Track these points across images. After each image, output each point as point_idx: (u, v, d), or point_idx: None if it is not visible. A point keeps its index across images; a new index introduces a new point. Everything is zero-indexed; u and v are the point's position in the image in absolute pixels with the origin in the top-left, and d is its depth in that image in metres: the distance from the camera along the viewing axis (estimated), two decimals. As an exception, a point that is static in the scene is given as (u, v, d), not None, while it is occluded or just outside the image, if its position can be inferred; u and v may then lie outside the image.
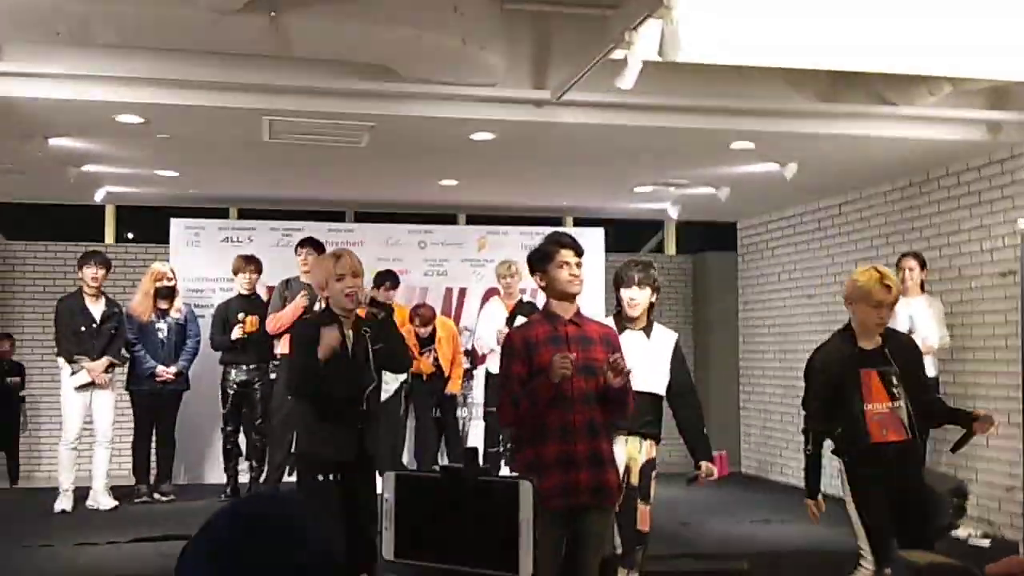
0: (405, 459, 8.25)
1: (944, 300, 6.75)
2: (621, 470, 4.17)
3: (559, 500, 3.53)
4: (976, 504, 6.39)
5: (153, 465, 7.66)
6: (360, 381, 4.16)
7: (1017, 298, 5.88)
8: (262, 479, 7.52)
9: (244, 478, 7.63)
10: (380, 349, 4.19)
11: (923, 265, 6.66)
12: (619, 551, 4.51)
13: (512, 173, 7.54)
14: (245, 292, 7.56)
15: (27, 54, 4.97)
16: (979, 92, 5.84)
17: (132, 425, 7.59)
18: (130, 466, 7.61)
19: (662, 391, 4.54)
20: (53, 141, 6.24)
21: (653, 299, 4.48)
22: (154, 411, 7.57)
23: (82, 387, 7.04)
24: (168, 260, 8.29)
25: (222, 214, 9.43)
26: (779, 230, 9.24)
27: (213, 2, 4.24)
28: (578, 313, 3.78)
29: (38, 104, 5.37)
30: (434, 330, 7.85)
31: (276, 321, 7.14)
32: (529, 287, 7.15)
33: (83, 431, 7.16)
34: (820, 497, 4.19)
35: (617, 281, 4.48)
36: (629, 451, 4.35)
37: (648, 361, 4.33)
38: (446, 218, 9.70)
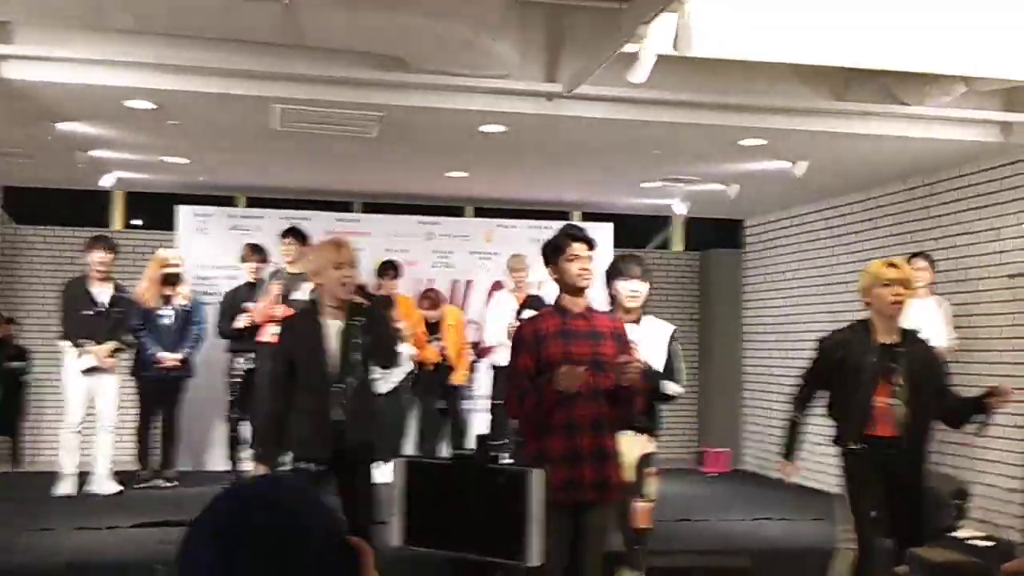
0: (409, 450, 8.25)
1: (952, 301, 6.73)
2: None
3: (563, 495, 3.52)
4: (978, 506, 6.38)
5: (156, 451, 7.67)
6: (337, 376, 4.09)
7: (1026, 300, 5.86)
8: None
9: (248, 465, 7.63)
10: (365, 341, 4.13)
11: (932, 266, 6.64)
12: (620, 549, 4.51)
13: (521, 166, 7.53)
14: (252, 280, 7.56)
15: (38, 38, 4.96)
16: (993, 93, 5.81)
17: (136, 411, 7.60)
18: (133, 452, 7.62)
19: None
20: (62, 126, 6.24)
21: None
22: (158, 397, 7.58)
23: (87, 371, 7.05)
24: (175, 247, 8.29)
25: (230, 202, 9.43)
26: (787, 228, 9.22)
27: (226, -12, 4.22)
28: (589, 307, 3.77)
29: (48, 88, 5.36)
30: (442, 318, 7.86)
31: (255, 314, 7.16)
32: (537, 281, 7.15)
33: (86, 416, 7.16)
34: (796, 463, 4.32)
35: (614, 274, 4.48)
36: (621, 446, 4.34)
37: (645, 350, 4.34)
38: (453, 210, 9.69)
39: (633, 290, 4.41)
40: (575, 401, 3.60)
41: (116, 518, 6.19)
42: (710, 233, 10.79)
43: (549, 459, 3.57)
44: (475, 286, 8.90)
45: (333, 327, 4.11)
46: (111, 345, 7.10)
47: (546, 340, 3.65)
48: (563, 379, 3.48)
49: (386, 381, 7.11)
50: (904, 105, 5.70)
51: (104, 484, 7.13)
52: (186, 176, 8.21)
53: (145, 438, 7.61)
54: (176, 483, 7.56)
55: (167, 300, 7.55)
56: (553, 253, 3.76)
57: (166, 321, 7.55)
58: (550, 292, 4.26)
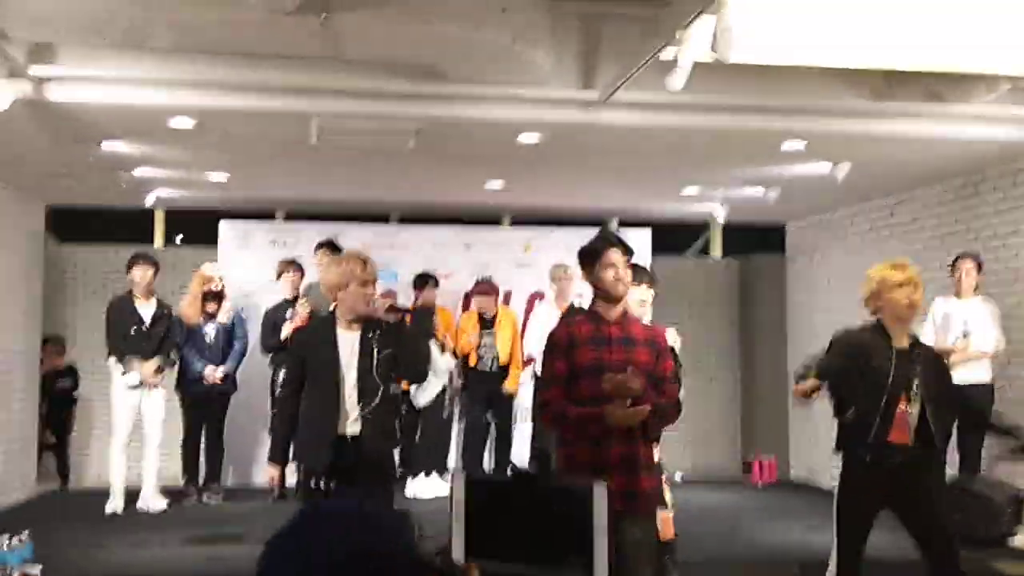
0: (452, 463, 8.26)
1: (1000, 303, 6.60)
2: None
3: None
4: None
5: (202, 467, 7.72)
6: (360, 393, 4.06)
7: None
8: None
9: (292, 480, 7.65)
10: (384, 355, 4.10)
11: (980, 267, 6.52)
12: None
13: (558, 175, 7.51)
14: (289, 296, 7.60)
15: (80, 59, 5.03)
16: (1039, 90, 5.69)
17: (181, 427, 7.66)
18: (179, 468, 7.68)
19: None
20: (105, 145, 6.32)
21: None
22: (202, 413, 7.64)
23: (133, 388, 7.12)
24: (216, 263, 8.36)
25: (269, 217, 9.51)
26: (829, 232, 9.10)
27: (267, 4, 4.25)
28: (624, 314, 3.73)
29: (91, 108, 5.44)
30: (496, 312, 7.88)
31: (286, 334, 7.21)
32: (578, 293, 7.11)
33: (133, 433, 7.23)
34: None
35: None
36: None
37: None
38: (490, 220, 9.69)
39: (641, 299, 4.38)
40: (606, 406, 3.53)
41: (166, 534, 6.24)
42: (750, 238, 10.69)
43: (576, 467, 3.53)
44: (514, 296, 8.88)
45: (348, 339, 4.10)
46: (156, 362, 7.17)
47: (578, 346, 3.61)
48: (610, 414, 3.45)
49: (423, 394, 7.10)
50: (947, 105, 5.61)
51: (152, 501, 7.20)
52: (226, 192, 8.29)
53: (192, 454, 7.67)
54: (222, 498, 7.61)
55: (210, 316, 7.62)
56: (589, 259, 3.73)
57: (209, 337, 7.61)
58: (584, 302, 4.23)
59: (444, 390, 7.84)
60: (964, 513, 5.90)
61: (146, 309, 7.26)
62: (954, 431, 6.41)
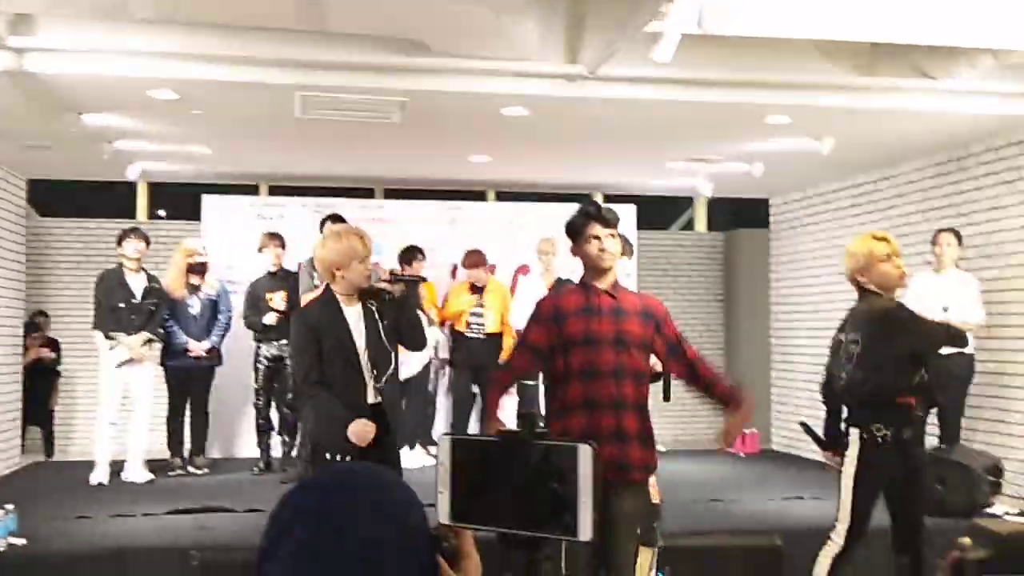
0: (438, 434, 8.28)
1: (981, 277, 6.66)
2: None
3: None
4: (1010, 482, 6.32)
5: (187, 439, 7.74)
6: (374, 364, 4.07)
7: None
8: (293, 454, 7.58)
9: (277, 452, 7.69)
10: (390, 324, 4.11)
11: (960, 241, 6.57)
12: (661, 543, 4.51)
13: (544, 149, 7.51)
14: (272, 269, 7.58)
15: (60, 30, 4.99)
16: (1022, 65, 5.71)
17: (166, 400, 7.67)
18: (164, 440, 7.69)
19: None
20: (86, 117, 6.27)
21: None
22: (187, 386, 7.64)
23: (121, 365, 7.10)
24: (200, 237, 8.34)
25: (252, 191, 9.47)
26: (813, 206, 9.15)
27: (248, -25, 4.22)
28: (615, 284, 3.73)
29: (72, 80, 5.39)
30: (487, 282, 7.91)
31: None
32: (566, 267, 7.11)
33: (120, 405, 7.22)
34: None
35: None
36: None
37: None
38: (475, 195, 9.67)
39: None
40: (596, 380, 3.58)
41: (151, 505, 6.25)
42: (735, 213, 10.74)
43: (570, 438, 3.55)
44: (499, 270, 8.89)
45: (353, 313, 4.12)
46: (143, 336, 7.15)
47: (567, 316, 3.63)
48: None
49: (408, 366, 7.12)
50: (931, 79, 5.63)
51: (137, 473, 7.21)
52: (209, 166, 8.25)
53: (176, 426, 7.68)
54: (207, 470, 7.64)
55: (194, 290, 7.60)
56: (573, 234, 3.74)
57: (194, 311, 7.60)
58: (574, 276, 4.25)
59: (429, 362, 7.87)
60: (944, 483, 5.98)
61: (136, 283, 7.21)
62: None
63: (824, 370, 4.24)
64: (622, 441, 3.59)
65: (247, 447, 8.16)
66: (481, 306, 7.91)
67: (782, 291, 9.68)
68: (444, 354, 8.16)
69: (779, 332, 9.73)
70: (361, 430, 3.94)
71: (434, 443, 8.15)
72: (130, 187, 9.46)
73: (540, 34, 5.16)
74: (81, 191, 9.51)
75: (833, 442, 4.12)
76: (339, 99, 5.73)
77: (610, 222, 3.70)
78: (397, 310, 4.16)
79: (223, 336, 7.69)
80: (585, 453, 1.14)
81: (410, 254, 7.76)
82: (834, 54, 5.55)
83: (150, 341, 7.22)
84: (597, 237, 3.66)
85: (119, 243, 7.26)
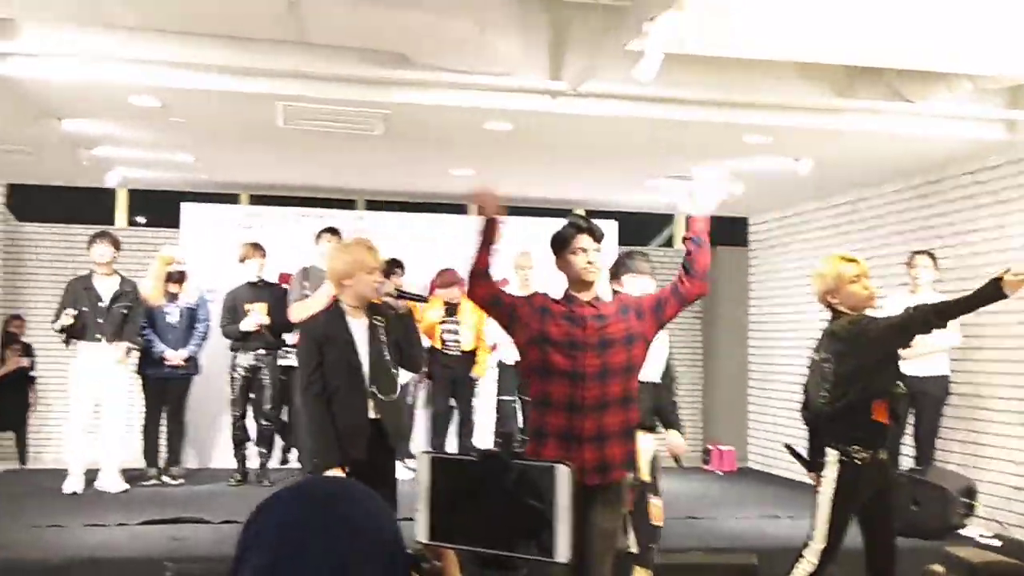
0: (417, 448, 8.26)
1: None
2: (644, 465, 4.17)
3: None
4: (984, 504, 6.37)
5: (163, 449, 7.68)
6: (375, 378, 4.06)
7: (1032, 298, 5.84)
8: (269, 465, 7.53)
9: (253, 463, 7.65)
10: (394, 340, 4.12)
11: (935, 263, 6.63)
12: (633, 550, 4.52)
13: (525, 163, 7.53)
14: (253, 279, 7.55)
15: (42, 34, 4.96)
16: (998, 91, 5.79)
17: (142, 409, 7.61)
18: (140, 449, 7.63)
19: (658, 378, 4.59)
20: (67, 123, 6.24)
21: None
22: (164, 395, 7.60)
23: (86, 368, 7.00)
24: (179, 245, 8.29)
25: (233, 199, 9.43)
26: (792, 226, 9.21)
27: (232, -15, 4.22)
28: (596, 297, 3.75)
29: (52, 85, 5.37)
30: (460, 300, 7.90)
31: (304, 311, 7.11)
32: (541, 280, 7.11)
33: (94, 413, 7.16)
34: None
35: (622, 271, 4.50)
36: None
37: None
38: (456, 208, 9.67)
39: (642, 287, 4.42)
40: (578, 382, 3.58)
41: (125, 515, 6.20)
42: (714, 230, 10.76)
43: (548, 434, 3.58)
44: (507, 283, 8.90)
45: (359, 327, 4.10)
46: (124, 346, 7.09)
47: (551, 316, 3.64)
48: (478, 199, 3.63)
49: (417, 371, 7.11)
50: (909, 103, 5.69)
51: (112, 482, 7.14)
52: (190, 174, 8.21)
53: (152, 436, 7.62)
54: (183, 480, 7.58)
55: (172, 298, 7.56)
56: (559, 245, 3.75)
57: (172, 319, 7.56)
58: (556, 290, 4.25)
59: (409, 380, 7.86)
60: (918, 504, 6.02)
61: (106, 287, 7.14)
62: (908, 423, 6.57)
63: (803, 391, 4.27)
64: (602, 440, 3.59)
65: (223, 458, 8.11)
66: (456, 323, 7.90)
67: (760, 310, 9.73)
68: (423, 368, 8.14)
69: (757, 351, 9.78)
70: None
71: (412, 456, 8.18)
72: (110, 193, 9.40)
73: (523, 50, 5.18)
74: (63, 196, 9.43)
75: (818, 464, 4.13)
76: (321, 110, 5.73)
77: (598, 236, 3.73)
78: (401, 328, 4.16)
79: (201, 345, 7.64)
80: (563, 474, 1.14)
81: (390, 267, 7.74)
82: (813, 76, 5.61)
83: (130, 350, 7.17)
84: (584, 250, 3.68)
85: (88, 247, 7.22)
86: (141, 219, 10.37)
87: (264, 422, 7.52)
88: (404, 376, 7.45)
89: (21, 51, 5.01)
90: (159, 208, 9.70)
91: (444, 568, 1.19)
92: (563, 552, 1.12)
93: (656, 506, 4.59)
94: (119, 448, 7.21)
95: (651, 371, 4.46)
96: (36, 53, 5.05)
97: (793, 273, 9.11)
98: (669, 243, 10.95)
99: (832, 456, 3.98)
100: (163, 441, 7.70)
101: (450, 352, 7.94)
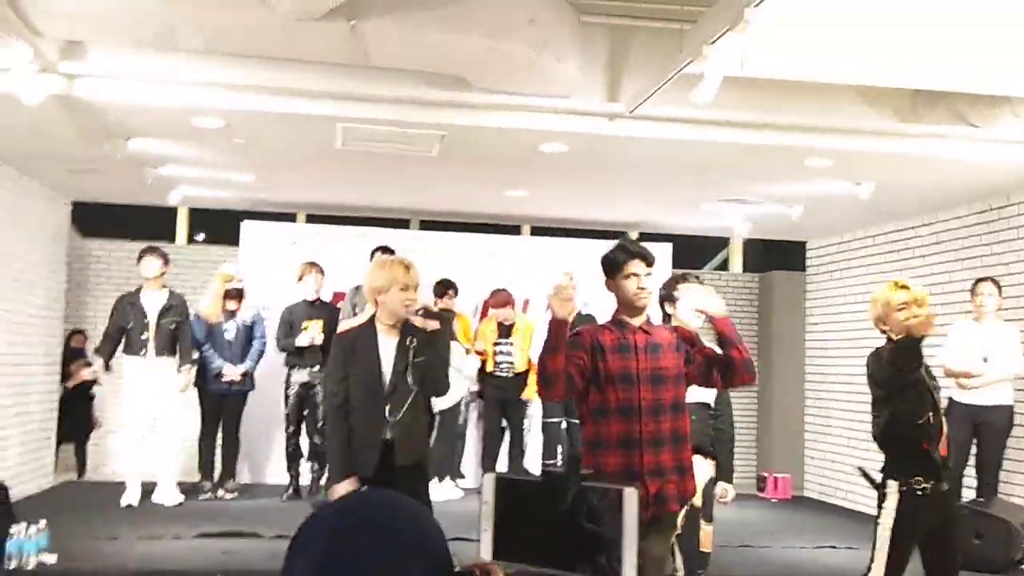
0: (471, 469, 8.29)
1: (1022, 328, 6.56)
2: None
3: None
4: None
5: (218, 463, 7.78)
6: (389, 397, 4.07)
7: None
8: (322, 482, 7.58)
9: (306, 479, 7.70)
10: (420, 362, 4.11)
11: (1000, 291, 6.49)
12: (680, 573, 4.46)
13: (580, 185, 7.53)
14: (311, 298, 7.64)
15: (111, 56, 5.09)
16: (1066, 115, 5.66)
17: (199, 423, 7.72)
18: (196, 463, 7.73)
19: (712, 401, 4.53)
20: (132, 143, 6.38)
21: None
22: (220, 410, 7.70)
23: (135, 380, 7.13)
24: (237, 262, 8.43)
25: (290, 218, 9.57)
26: (851, 251, 9.08)
27: (296, 9, 4.30)
28: (648, 322, 3.72)
29: (120, 106, 5.50)
30: (514, 321, 7.91)
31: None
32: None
33: (147, 427, 7.26)
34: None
35: (672, 293, 4.47)
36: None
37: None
38: (510, 229, 9.71)
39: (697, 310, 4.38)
40: (633, 417, 3.53)
41: (180, 528, 6.28)
42: (771, 254, 10.68)
43: (604, 477, 3.53)
44: (531, 305, 8.90)
45: (389, 344, 4.13)
46: (188, 367, 7.24)
47: (604, 353, 3.58)
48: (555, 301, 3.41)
49: (445, 398, 7.13)
50: (974, 127, 5.59)
51: (168, 495, 7.24)
52: (249, 193, 8.35)
53: (207, 450, 7.73)
54: (237, 494, 7.66)
55: (230, 315, 7.68)
56: (611, 269, 3.70)
57: (229, 335, 7.67)
58: (599, 310, 4.23)
59: (461, 399, 7.88)
60: (981, 537, 5.87)
61: (154, 301, 7.27)
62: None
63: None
64: (660, 476, 3.55)
65: (276, 473, 8.19)
66: (509, 344, 7.91)
67: (818, 335, 9.59)
68: (474, 387, 8.16)
69: (814, 377, 9.63)
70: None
71: (462, 476, 8.19)
72: (171, 211, 9.60)
73: (581, 72, 5.19)
74: (126, 214, 9.64)
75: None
76: (379, 131, 5.79)
77: (650, 261, 3.69)
78: (428, 349, 4.16)
79: (257, 362, 7.75)
80: (631, 497, 1.14)
81: (443, 288, 7.79)
82: (876, 99, 5.54)
83: (188, 367, 7.30)
84: (636, 275, 3.64)
85: (137, 261, 7.36)
86: (200, 236, 10.57)
87: (316, 439, 7.59)
88: (456, 396, 7.57)
89: (91, 73, 5.14)
90: (218, 226, 9.89)
91: None
92: (630, 574, 1.11)
93: (707, 532, 4.53)
94: (173, 462, 7.32)
95: (704, 392, 4.40)
96: (105, 75, 5.18)
97: (852, 299, 8.97)
98: (724, 266, 10.86)
99: (892, 487, 3.90)
100: (218, 455, 7.80)
101: (502, 373, 7.95)
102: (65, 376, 8.49)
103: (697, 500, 4.39)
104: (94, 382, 8.57)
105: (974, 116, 5.52)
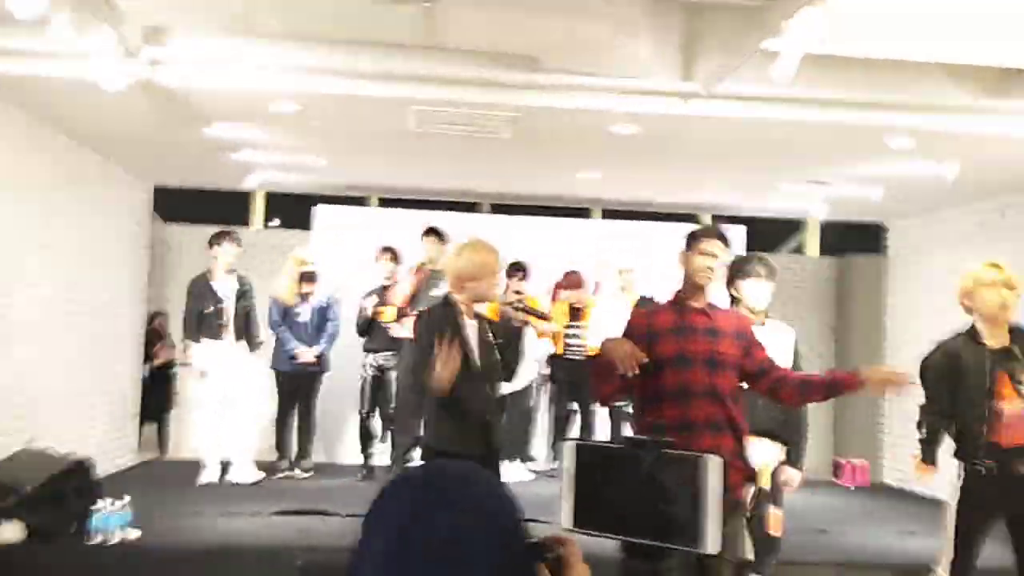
0: (542, 451, 8.30)
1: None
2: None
3: None
4: None
5: (294, 442, 7.92)
6: (489, 380, 4.10)
7: None
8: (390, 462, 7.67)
9: (379, 460, 7.80)
10: (501, 345, 4.15)
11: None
12: (750, 557, 4.39)
13: (653, 167, 7.45)
14: (386, 283, 7.72)
15: (190, 42, 5.17)
16: None
17: (275, 404, 7.87)
18: (272, 443, 7.89)
19: None
20: (212, 128, 6.50)
21: None
22: (295, 391, 7.84)
23: (212, 362, 7.29)
24: (311, 246, 8.54)
25: (362, 202, 9.66)
26: (934, 232, 8.82)
27: (371, -9, 4.32)
28: (710, 304, 3.68)
29: (199, 91, 5.59)
30: (585, 305, 7.89)
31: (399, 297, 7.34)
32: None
33: (224, 408, 7.40)
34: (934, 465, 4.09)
35: (737, 274, 4.38)
36: (759, 453, 4.21)
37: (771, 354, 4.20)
38: (579, 212, 9.66)
39: (761, 294, 4.31)
40: (690, 401, 3.50)
41: (257, 505, 6.41)
42: (848, 237, 10.44)
43: None
44: (602, 288, 8.84)
45: (472, 327, 4.14)
46: (256, 345, 7.41)
47: (659, 336, 3.56)
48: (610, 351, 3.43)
49: (516, 379, 7.13)
50: (1065, 104, 5.38)
51: (245, 473, 7.40)
52: (323, 176, 8.45)
53: (283, 430, 7.87)
54: (311, 473, 7.79)
55: (304, 298, 7.79)
56: (690, 240, 3.71)
57: (303, 318, 7.79)
58: (660, 294, 4.18)
59: (532, 381, 7.88)
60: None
61: (227, 286, 7.43)
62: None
63: None
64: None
65: (350, 454, 8.30)
66: (580, 327, 7.87)
67: (898, 319, 9.35)
68: (544, 370, 8.15)
69: (893, 362, 9.39)
70: None
71: (531, 458, 8.20)
72: (247, 195, 9.77)
73: (654, 51, 5.12)
74: (203, 198, 9.84)
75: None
76: (452, 114, 5.80)
77: (727, 242, 3.72)
78: (510, 338, 4.18)
79: (330, 344, 7.85)
80: (714, 464, 1.11)
81: (514, 270, 7.79)
82: (961, 75, 5.35)
83: (258, 345, 7.47)
84: (712, 255, 3.62)
85: (210, 246, 7.50)
86: (275, 221, 10.73)
87: (388, 422, 7.68)
88: (526, 378, 7.57)
89: (170, 58, 5.23)
90: (291, 210, 10.02)
91: (566, 556, 1.17)
92: (712, 542, 1.09)
93: (776, 516, 4.43)
94: (249, 441, 7.48)
95: None
96: (184, 60, 5.27)
97: (934, 281, 8.71)
98: (799, 250, 10.66)
99: (958, 467, 3.94)
100: (294, 435, 7.94)
101: (573, 356, 7.92)
102: (147, 357, 8.73)
103: (766, 484, 4.32)
104: (174, 363, 8.78)
105: (1066, 92, 5.31)
